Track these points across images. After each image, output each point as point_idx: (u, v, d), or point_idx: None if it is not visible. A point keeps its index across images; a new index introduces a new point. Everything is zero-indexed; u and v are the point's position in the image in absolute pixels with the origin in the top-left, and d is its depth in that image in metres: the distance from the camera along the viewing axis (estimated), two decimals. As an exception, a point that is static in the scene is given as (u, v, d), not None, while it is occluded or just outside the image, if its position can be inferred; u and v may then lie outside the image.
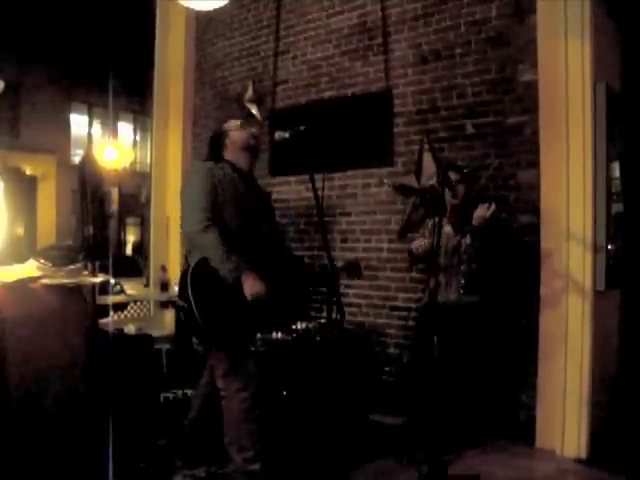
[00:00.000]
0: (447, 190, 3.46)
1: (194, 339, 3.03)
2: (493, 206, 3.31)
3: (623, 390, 3.79)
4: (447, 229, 3.49)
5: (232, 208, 2.81)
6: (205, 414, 3.06)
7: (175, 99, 5.58)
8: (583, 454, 3.39)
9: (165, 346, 4.37)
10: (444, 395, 3.03)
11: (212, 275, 2.70)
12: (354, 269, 3.11)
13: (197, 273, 2.71)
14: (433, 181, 3.57)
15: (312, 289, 3.76)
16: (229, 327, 2.73)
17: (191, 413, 3.13)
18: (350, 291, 4.46)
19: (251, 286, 2.72)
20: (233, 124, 3.07)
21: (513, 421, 3.67)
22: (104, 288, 3.79)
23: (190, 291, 2.67)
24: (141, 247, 15.28)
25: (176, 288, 3.36)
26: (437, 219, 3.10)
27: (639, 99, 3.95)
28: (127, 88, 12.68)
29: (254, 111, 5.09)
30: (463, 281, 3.47)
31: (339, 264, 3.27)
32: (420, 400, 3.41)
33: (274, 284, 2.82)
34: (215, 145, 3.03)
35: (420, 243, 3.49)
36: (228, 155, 2.99)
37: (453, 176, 3.49)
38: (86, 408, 3.00)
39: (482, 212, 3.33)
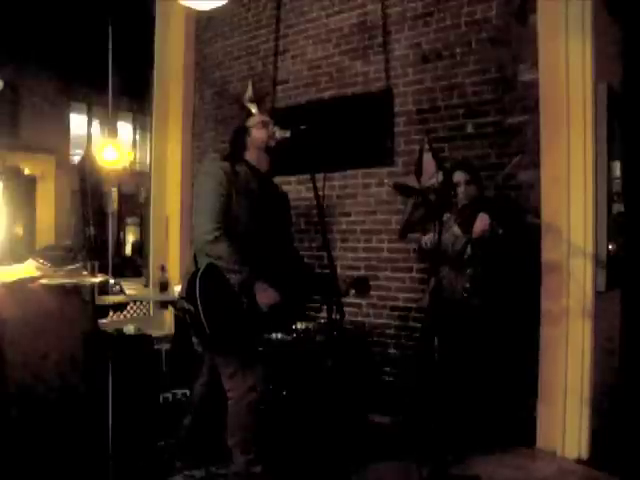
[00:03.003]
0: (455, 189, 3.44)
1: (194, 339, 3.01)
2: (487, 219, 3.25)
3: (624, 390, 3.79)
4: (455, 229, 3.46)
5: (245, 212, 2.73)
6: (204, 415, 3.05)
7: (175, 99, 5.57)
8: (584, 454, 3.38)
9: (165, 346, 4.36)
10: (445, 395, 3.03)
11: (221, 279, 2.66)
12: (362, 286, 3.07)
13: (206, 277, 2.65)
14: (433, 181, 3.56)
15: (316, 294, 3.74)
16: (236, 331, 2.69)
17: (190, 414, 3.12)
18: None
19: (265, 296, 2.68)
20: (255, 120, 2.96)
21: (514, 421, 3.66)
22: (104, 288, 3.78)
23: (198, 295, 2.62)
24: (141, 247, 15.28)
25: (176, 288, 3.35)
26: (438, 220, 3.09)
27: (640, 99, 3.94)
28: (127, 88, 12.65)
29: (254, 111, 5.08)
30: (468, 285, 3.43)
31: (347, 280, 3.22)
32: (421, 400, 3.40)
33: (283, 290, 2.76)
34: (235, 142, 2.92)
35: (430, 237, 3.47)
36: (248, 154, 2.89)
37: (463, 176, 3.47)
38: (86, 408, 3.00)
39: (482, 226, 3.24)
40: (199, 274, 2.66)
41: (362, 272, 4.44)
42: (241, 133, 2.92)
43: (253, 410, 2.74)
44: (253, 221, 2.75)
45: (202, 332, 2.65)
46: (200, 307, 2.61)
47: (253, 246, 2.71)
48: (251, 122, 2.96)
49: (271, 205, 2.87)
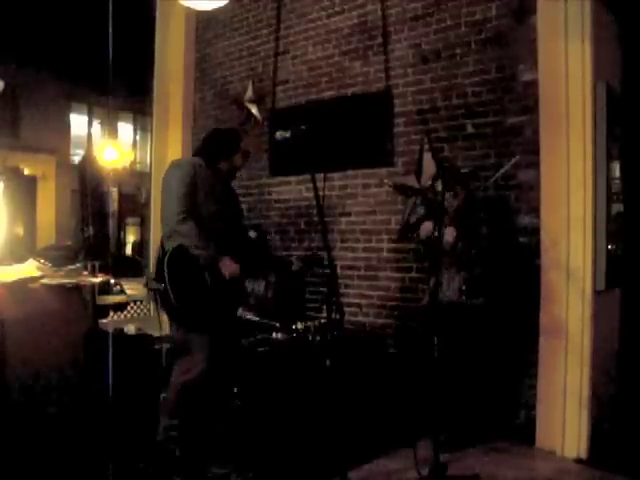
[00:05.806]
0: (455, 190, 3.47)
1: (171, 328, 3.17)
2: (453, 232, 3.41)
3: (623, 390, 3.79)
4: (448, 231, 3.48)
5: (209, 202, 3.03)
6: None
7: (175, 99, 5.58)
8: (583, 454, 3.39)
9: (165, 346, 4.35)
10: (444, 395, 3.03)
11: (187, 260, 2.91)
12: (313, 262, 3.29)
13: (173, 258, 2.91)
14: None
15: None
16: (200, 306, 2.95)
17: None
18: (350, 291, 4.46)
19: (228, 267, 2.98)
20: None
21: (513, 421, 3.67)
22: (104, 288, 3.79)
23: (166, 274, 2.85)
24: (141, 247, 15.26)
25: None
26: (438, 220, 3.10)
27: (639, 98, 3.94)
28: (127, 88, 12.65)
29: (254, 111, 5.09)
30: (464, 287, 3.45)
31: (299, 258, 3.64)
32: (420, 400, 3.40)
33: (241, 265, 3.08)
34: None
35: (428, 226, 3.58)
36: None
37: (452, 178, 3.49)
38: (86, 408, 3.00)
39: (449, 238, 3.42)
40: (167, 254, 2.91)
41: (362, 272, 4.45)
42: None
43: (188, 383, 2.96)
44: (214, 208, 3.05)
45: (171, 308, 2.92)
46: (168, 283, 2.85)
47: (215, 229, 3.02)
48: None
49: (227, 197, 3.21)
